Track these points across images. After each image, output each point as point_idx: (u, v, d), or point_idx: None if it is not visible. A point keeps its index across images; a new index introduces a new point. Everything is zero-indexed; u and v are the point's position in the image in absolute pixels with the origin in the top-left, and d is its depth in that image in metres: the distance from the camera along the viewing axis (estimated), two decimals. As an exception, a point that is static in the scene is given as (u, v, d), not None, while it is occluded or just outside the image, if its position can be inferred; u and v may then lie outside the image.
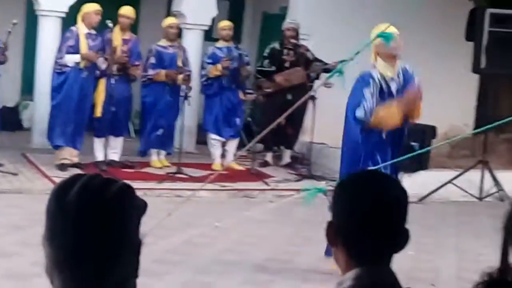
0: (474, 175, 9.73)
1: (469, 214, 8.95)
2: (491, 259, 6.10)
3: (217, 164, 10.39)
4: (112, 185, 1.54)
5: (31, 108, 11.64)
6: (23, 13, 12.09)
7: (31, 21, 11.34)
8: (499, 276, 1.99)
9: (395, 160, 5.89)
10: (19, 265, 5.98)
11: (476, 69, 10.06)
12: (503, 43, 9.89)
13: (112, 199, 1.52)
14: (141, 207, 1.58)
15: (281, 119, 6.44)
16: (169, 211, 6.31)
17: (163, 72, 9.98)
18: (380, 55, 6.25)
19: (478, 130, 7.09)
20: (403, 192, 2.01)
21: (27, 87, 11.73)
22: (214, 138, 10.58)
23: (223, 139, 10.59)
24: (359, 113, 6.12)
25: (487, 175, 9.73)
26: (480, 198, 9.70)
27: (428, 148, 7.09)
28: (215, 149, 10.60)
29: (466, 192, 9.57)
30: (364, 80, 6.17)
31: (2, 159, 9.44)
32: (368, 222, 1.93)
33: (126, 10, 9.83)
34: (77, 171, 9.16)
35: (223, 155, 10.62)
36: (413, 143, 9.87)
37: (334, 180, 9.60)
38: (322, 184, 6.53)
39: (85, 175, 1.57)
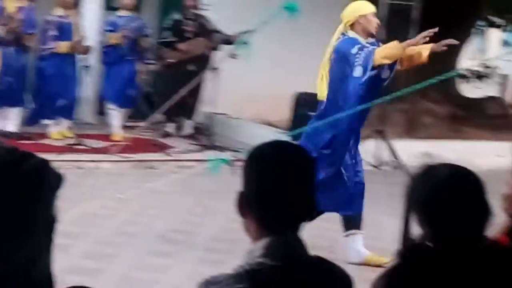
0: (370, 144, 9.96)
1: (366, 182, 9.11)
2: (388, 226, 6.35)
3: (116, 134, 10.31)
4: (28, 160, 1.52)
5: None
6: None
7: None
8: (415, 243, 2.08)
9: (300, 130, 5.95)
10: None
11: (375, 40, 10.26)
12: (401, 15, 10.14)
13: (28, 173, 1.50)
14: (58, 181, 1.57)
15: (185, 91, 6.41)
16: (71, 183, 6.19)
17: (64, 43, 9.77)
18: (358, 29, 6.17)
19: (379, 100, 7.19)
20: (311, 161, 2.06)
21: None
22: (112, 108, 10.48)
23: (121, 109, 10.50)
24: (357, 73, 6.03)
25: (383, 144, 9.97)
26: (377, 167, 9.96)
27: (331, 118, 7.24)
28: (113, 119, 10.51)
29: (363, 160, 9.78)
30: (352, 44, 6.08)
31: None
32: (277, 191, 1.97)
33: None
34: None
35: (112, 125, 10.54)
36: (312, 113, 10.04)
37: (236, 151, 9.68)
38: (226, 155, 6.57)
39: (0, 149, 1.55)
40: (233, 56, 7.71)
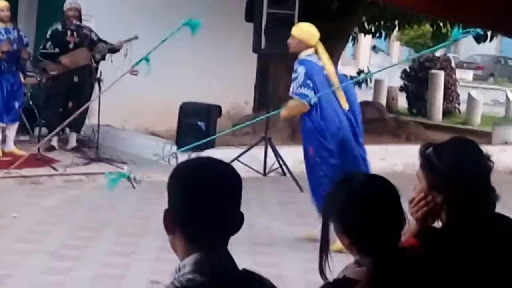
0: (257, 152, 10.10)
1: (256, 189, 9.26)
2: (279, 230, 6.53)
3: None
4: None
5: None
6: None
7: None
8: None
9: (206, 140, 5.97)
10: None
11: (256, 49, 10.40)
12: (280, 24, 10.29)
13: None
14: None
15: (87, 105, 6.27)
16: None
17: None
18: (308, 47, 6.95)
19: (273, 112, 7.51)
20: (236, 176, 2.10)
21: None
22: (-6, 124, 10.18)
23: (3, 125, 10.18)
24: None
25: (269, 151, 10.12)
26: (264, 174, 10.11)
27: (228, 130, 7.45)
28: None
29: (251, 168, 9.91)
30: None
31: None
32: (205, 208, 2.00)
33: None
34: None
35: (3, 141, 10.19)
36: (199, 122, 10.10)
37: (124, 163, 9.59)
38: (125, 170, 6.50)
39: None
40: (133, 72, 7.63)
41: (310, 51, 6.90)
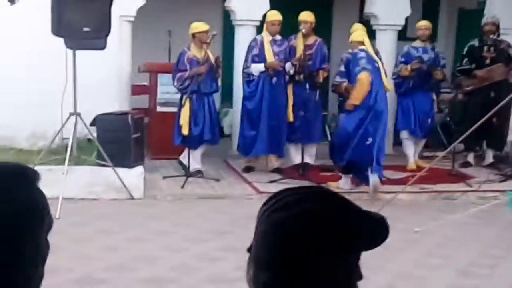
0: None
1: None
2: None
3: (411, 164, 10.23)
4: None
5: (230, 115, 11.89)
6: (220, 24, 12.46)
7: (228, 31, 11.66)
8: None
9: None
10: (222, 270, 6.09)
11: None
12: None
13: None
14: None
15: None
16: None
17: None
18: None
19: None
20: None
21: (227, 94, 11.93)
22: (406, 138, 10.42)
23: (415, 138, 10.39)
24: None
25: None
26: None
27: None
28: (408, 149, 10.43)
29: None
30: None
31: (205, 165, 9.68)
32: None
33: (303, 16, 9.76)
34: (277, 175, 9.36)
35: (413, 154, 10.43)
36: None
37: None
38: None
39: None
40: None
41: (362, 46, 8.68)
